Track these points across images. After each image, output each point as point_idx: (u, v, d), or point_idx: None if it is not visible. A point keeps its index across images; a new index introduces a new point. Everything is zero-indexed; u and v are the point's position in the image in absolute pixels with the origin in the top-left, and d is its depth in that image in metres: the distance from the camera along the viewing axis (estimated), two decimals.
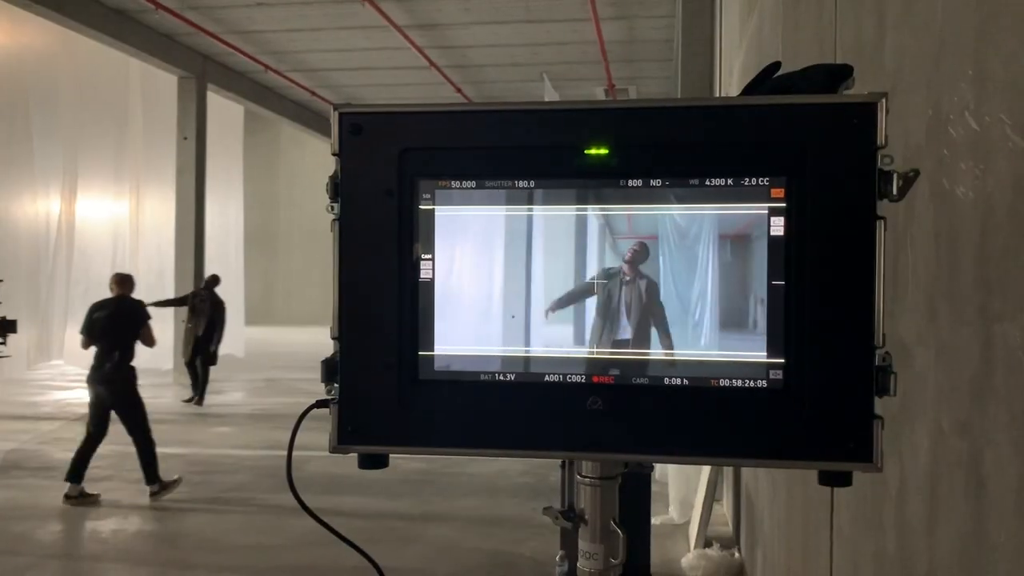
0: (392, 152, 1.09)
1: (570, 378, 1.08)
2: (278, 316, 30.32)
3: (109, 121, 16.66)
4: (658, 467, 7.04)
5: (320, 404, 1.14)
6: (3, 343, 9.23)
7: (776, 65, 1.16)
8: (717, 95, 7.85)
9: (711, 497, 5.92)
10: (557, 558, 3.62)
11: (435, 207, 1.10)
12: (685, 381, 1.06)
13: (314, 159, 29.82)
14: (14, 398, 12.82)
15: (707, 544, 5.74)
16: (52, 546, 6.07)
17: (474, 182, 1.10)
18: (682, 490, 6.55)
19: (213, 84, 16.32)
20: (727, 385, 1.05)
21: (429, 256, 1.10)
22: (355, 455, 1.13)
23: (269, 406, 12.83)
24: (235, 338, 20.23)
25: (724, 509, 6.74)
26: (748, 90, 1.13)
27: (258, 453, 9.29)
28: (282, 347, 22.07)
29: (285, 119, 19.98)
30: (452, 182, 1.10)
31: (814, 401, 1.02)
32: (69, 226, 16.12)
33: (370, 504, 7.04)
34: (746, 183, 1.04)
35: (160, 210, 17.10)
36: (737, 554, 5.59)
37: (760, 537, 4.56)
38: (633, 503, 4.80)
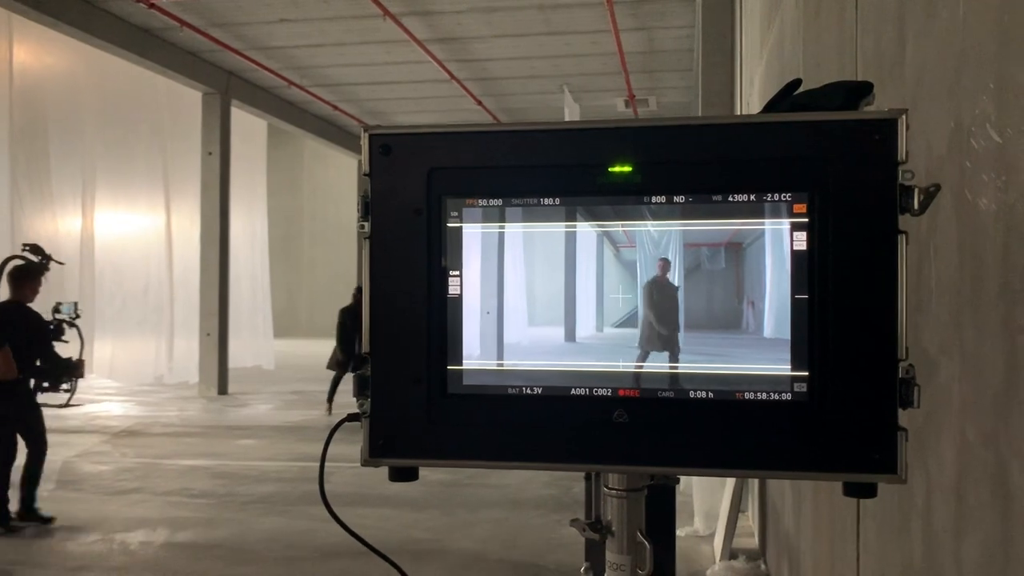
0: (420, 171, 1.12)
1: (596, 391, 1.10)
2: (302, 329, 30.51)
3: (134, 138, 16.87)
4: (683, 479, 7.00)
5: (351, 418, 1.17)
6: (68, 389, 7.23)
7: (797, 82, 1.18)
8: (737, 106, 7.85)
9: (736, 509, 5.89)
10: (582, 570, 3.63)
11: (463, 225, 1.13)
12: (710, 394, 1.07)
13: (337, 173, 30.07)
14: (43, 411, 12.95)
15: (733, 556, 5.71)
16: (81, 558, 6.13)
17: (500, 200, 1.13)
18: (707, 502, 6.52)
19: (237, 100, 16.50)
20: (752, 398, 1.06)
21: (457, 272, 1.13)
22: (384, 467, 1.15)
23: (295, 418, 12.90)
24: (265, 350, 20.45)
25: (750, 521, 6.70)
26: (769, 107, 1.15)
27: (283, 465, 9.35)
28: (308, 359, 22.17)
29: (308, 133, 20.16)
30: (479, 200, 1.13)
31: (838, 413, 1.03)
32: (91, 242, 16.27)
33: (395, 516, 7.06)
34: (769, 199, 1.06)
35: (185, 225, 17.30)
36: (763, 566, 5.56)
37: (786, 548, 4.54)
38: (658, 515, 4.78)
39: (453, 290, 1.13)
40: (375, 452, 1.13)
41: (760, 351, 1.07)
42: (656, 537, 1.19)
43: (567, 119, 12.98)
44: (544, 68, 15.45)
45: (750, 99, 6.63)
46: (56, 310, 7.34)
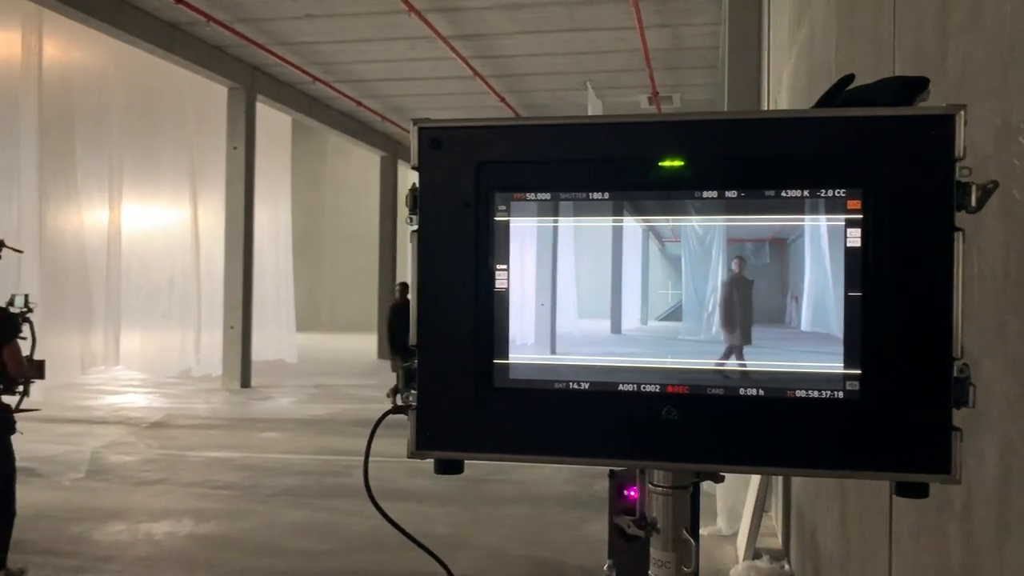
0: (469, 165, 1.12)
1: (644, 388, 1.10)
2: (323, 323, 30.68)
3: (160, 132, 17.00)
4: None
5: (396, 410, 1.17)
6: (23, 392, 6.13)
7: (850, 77, 1.16)
8: (764, 103, 7.79)
9: (760, 508, 5.86)
10: (605, 567, 3.63)
11: (510, 219, 1.13)
12: (761, 392, 1.06)
13: (359, 168, 30.16)
14: (68, 402, 13.11)
15: (756, 556, 5.68)
16: (107, 548, 6.19)
17: (549, 194, 1.12)
18: (730, 500, 6.49)
19: (262, 95, 16.59)
20: (803, 396, 1.05)
21: (504, 266, 1.13)
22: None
23: (318, 412, 12.96)
24: (287, 344, 20.57)
25: (773, 520, 6.66)
26: (822, 102, 1.14)
27: (307, 458, 9.40)
28: (329, 353, 22.32)
29: (331, 129, 20.23)
30: (527, 194, 1.12)
31: (891, 412, 1.02)
32: (117, 235, 16.42)
33: (417, 510, 7.07)
34: (822, 194, 1.05)
35: (211, 218, 17.43)
36: (787, 566, 5.53)
37: (811, 548, 4.51)
38: None
39: (500, 284, 1.13)
40: (422, 444, 1.13)
41: (803, 344, 1.06)
42: None
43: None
44: (568, 64, 15.42)
45: (778, 96, 6.58)
46: (10, 303, 6.68)
